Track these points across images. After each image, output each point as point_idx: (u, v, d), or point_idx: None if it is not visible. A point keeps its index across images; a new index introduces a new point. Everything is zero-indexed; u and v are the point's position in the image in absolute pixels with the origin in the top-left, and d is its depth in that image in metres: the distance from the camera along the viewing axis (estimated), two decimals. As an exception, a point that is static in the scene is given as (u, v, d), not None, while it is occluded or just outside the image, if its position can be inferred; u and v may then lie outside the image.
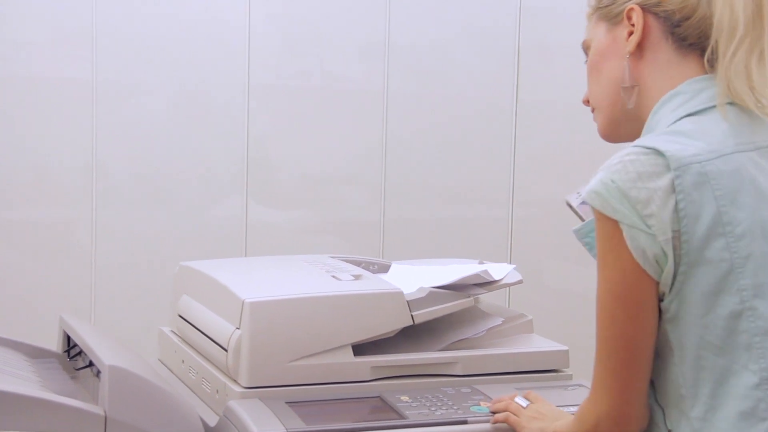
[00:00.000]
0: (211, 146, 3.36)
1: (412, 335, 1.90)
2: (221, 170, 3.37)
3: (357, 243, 3.43)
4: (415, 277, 2.03)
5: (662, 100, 1.35)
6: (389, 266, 2.25)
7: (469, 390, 1.80)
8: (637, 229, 1.25)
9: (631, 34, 1.38)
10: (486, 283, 1.99)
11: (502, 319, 2.00)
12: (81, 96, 3.26)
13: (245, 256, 3.33)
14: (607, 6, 1.42)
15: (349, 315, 1.81)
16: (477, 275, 1.97)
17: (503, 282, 2.03)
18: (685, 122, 1.31)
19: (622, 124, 1.44)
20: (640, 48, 1.38)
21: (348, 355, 1.80)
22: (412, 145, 3.49)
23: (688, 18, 1.34)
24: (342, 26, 3.43)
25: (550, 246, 3.57)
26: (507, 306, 3.13)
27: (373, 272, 2.15)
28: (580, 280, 3.62)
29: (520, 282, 2.07)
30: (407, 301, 1.86)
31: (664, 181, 1.25)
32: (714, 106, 1.31)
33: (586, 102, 1.53)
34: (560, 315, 3.42)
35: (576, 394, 1.80)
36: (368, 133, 3.46)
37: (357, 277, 1.96)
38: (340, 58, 3.46)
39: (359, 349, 1.83)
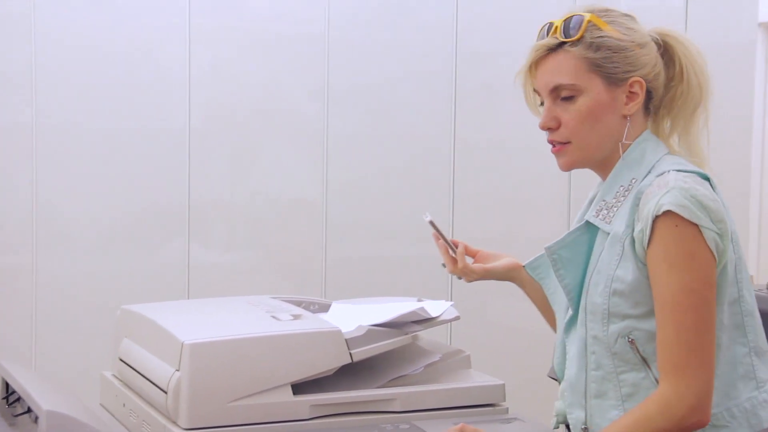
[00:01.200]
0: (153, 189, 3.37)
1: (351, 373, 1.92)
2: (163, 213, 3.37)
3: (300, 283, 3.45)
4: (354, 316, 2.06)
5: (638, 141, 1.64)
6: (329, 305, 2.27)
7: (408, 426, 1.82)
8: (713, 232, 1.52)
9: (630, 98, 1.63)
10: (424, 320, 2.03)
11: (440, 356, 2.03)
12: (21, 140, 3.25)
13: (187, 298, 3.32)
14: (610, 68, 1.61)
15: (288, 354, 1.83)
16: (415, 312, 2.00)
17: (441, 319, 2.06)
18: (672, 158, 1.63)
19: (591, 162, 1.68)
20: None
21: (287, 394, 1.82)
22: (353, 185, 3.53)
23: (657, 91, 1.67)
24: (284, 68, 3.47)
25: (489, 283, 3.61)
26: (447, 342, 3.17)
27: (314, 312, 2.17)
28: (519, 316, 3.67)
29: (457, 318, 2.11)
30: (346, 340, 1.89)
31: (716, 195, 1.57)
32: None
33: (547, 128, 1.67)
34: (499, 350, 3.47)
35: (513, 427, 1.83)
36: (309, 174, 3.49)
37: (296, 317, 1.98)
38: (281, 100, 3.49)
39: (298, 387, 1.85)
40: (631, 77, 1.61)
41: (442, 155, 3.58)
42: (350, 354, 1.88)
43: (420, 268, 3.57)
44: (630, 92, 1.62)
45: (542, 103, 1.69)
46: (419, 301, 2.19)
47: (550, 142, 1.67)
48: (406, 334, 1.98)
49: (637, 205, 1.57)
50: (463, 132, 3.59)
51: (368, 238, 3.57)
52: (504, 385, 1.98)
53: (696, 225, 1.50)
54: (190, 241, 3.37)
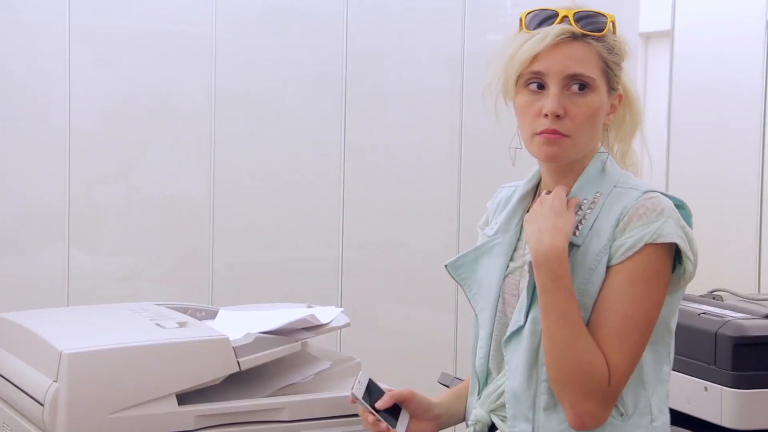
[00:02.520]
0: (30, 191, 3.24)
1: (239, 382, 1.89)
2: (41, 216, 3.25)
3: (186, 289, 3.37)
4: (242, 323, 2.02)
5: (597, 154, 1.64)
6: (217, 312, 2.23)
7: (297, 435, 1.79)
8: (693, 267, 1.57)
9: (612, 109, 1.62)
10: (314, 327, 2.00)
11: (330, 363, 2.01)
12: None
13: (67, 305, 3.21)
14: (613, 74, 1.60)
15: (172, 363, 1.77)
16: (304, 319, 1.97)
17: (331, 325, 2.04)
18: (632, 176, 1.66)
19: (573, 161, 1.62)
20: None
21: (172, 405, 1.77)
22: (241, 188, 3.47)
23: None
24: (170, 67, 3.39)
25: (380, 288, 3.61)
26: (337, 349, 3.15)
27: (200, 319, 2.12)
28: (410, 321, 3.68)
29: (347, 325, 2.09)
30: (233, 348, 1.85)
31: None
32: None
33: (556, 115, 1.56)
34: (390, 356, 3.46)
35: (403, 434, 1.81)
36: (196, 176, 3.41)
37: (182, 325, 1.93)
38: (166, 100, 3.41)
39: (184, 397, 1.80)
40: (618, 89, 1.61)
41: (332, 158, 3.55)
42: (238, 362, 1.85)
43: (310, 274, 3.53)
44: (612, 104, 1.61)
45: (532, 85, 1.58)
46: (309, 307, 2.16)
47: (551, 130, 1.56)
48: (296, 341, 1.95)
49: (617, 220, 1.55)
50: (353, 135, 3.57)
51: (257, 243, 3.51)
52: (395, 392, 1.95)
53: (672, 250, 1.55)
54: (70, 245, 3.26)
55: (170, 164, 3.40)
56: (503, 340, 1.60)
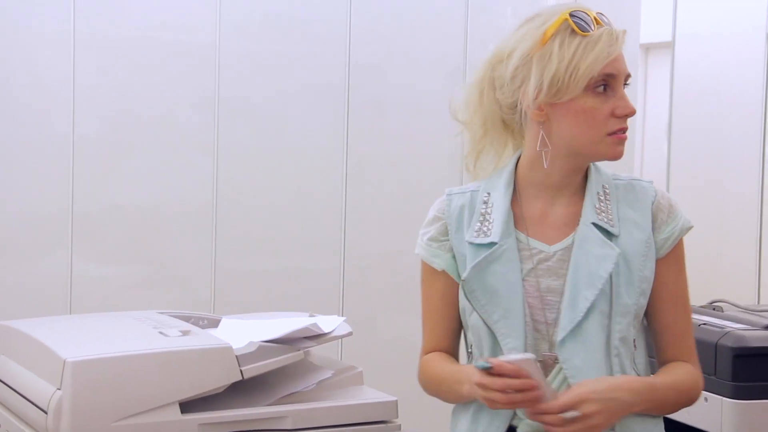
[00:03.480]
0: (34, 198, 3.25)
1: (241, 390, 1.89)
2: (44, 223, 3.25)
3: (189, 297, 3.38)
4: (245, 332, 2.02)
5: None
6: (219, 321, 2.23)
7: (299, 444, 1.80)
8: None
9: None
10: (316, 336, 2.00)
11: (332, 372, 2.01)
12: None
13: (69, 313, 3.21)
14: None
15: (175, 372, 1.78)
16: (306, 328, 1.98)
17: (333, 334, 2.04)
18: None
19: None
20: None
21: (175, 413, 1.77)
22: (244, 198, 3.48)
23: None
24: (173, 76, 3.40)
25: (382, 297, 3.61)
26: (339, 358, 3.15)
27: (203, 327, 2.12)
28: (412, 330, 3.67)
29: (350, 334, 2.09)
30: (236, 356, 1.85)
31: None
32: None
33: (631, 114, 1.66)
34: (392, 365, 3.46)
35: (406, 443, 1.83)
36: (199, 185, 3.42)
37: (185, 333, 1.94)
38: (169, 109, 3.42)
39: (187, 406, 1.80)
40: None
41: (334, 167, 3.56)
42: (241, 371, 1.85)
43: (313, 282, 3.54)
44: None
45: (599, 88, 1.62)
46: (311, 316, 2.17)
47: (625, 129, 1.65)
48: (298, 350, 1.95)
49: (652, 212, 1.66)
50: (355, 144, 3.58)
51: (259, 252, 3.52)
52: (396, 401, 1.97)
53: None
54: (73, 253, 3.26)
55: (173, 173, 3.41)
56: (558, 340, 1.60)
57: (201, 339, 1.91)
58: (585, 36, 1.61)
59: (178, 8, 3.40)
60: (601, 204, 1.65)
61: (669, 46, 4.21)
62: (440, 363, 1.74)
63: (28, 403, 1.81)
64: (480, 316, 1.65)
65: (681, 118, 4.17)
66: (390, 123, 3.64)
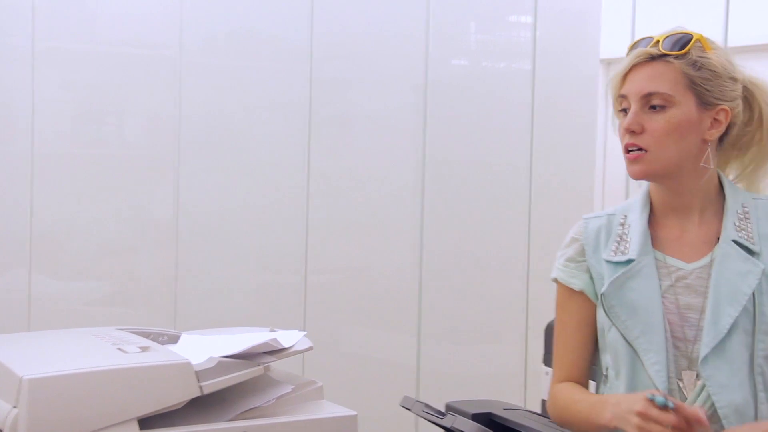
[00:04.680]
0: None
1: (201, 406, 1.89)
2: (3, 240, 3.22)
3: (149, 313, 3.36)
4: (205, 347, 2.02)
5: (729, 181, 1.73)
6: (179, 337, 2.23)
7: (259, 459, 1.79)
8: None
9: (714, 125, 1.66)
10: (276, 351, 2.01)
11: (292, 387, 2.01)
12: None
13: (28, 330, 3.18)
14: (705, 90, 1.65)
15: (134, 388, 1.77)
16: (266, 343, 1.98)
17: (293, 349, 2.05)
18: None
19: (662, 176, 1.67)
20: None
21: (134, 430, 1.76)
22: (206, 213, 3.47)
23: (733, 129, 1.71)
24: (134, 92, 3.39)
25: (344, 312, 3.62)
26: (302, 373, 3.15)
27: (163, 343, 2.12)
28: (374, 345, 3.68)
29: (310, 348, 2.10)
30: (196, 372, 1.85)
31: None
32: None
33: (631, 131, 1.64)
34: (353, 380, 3.46)
35: (365, 458, 1.82)
36: (161, 201, 3.41)
37: (144, 349, 1.93)
38: (130, 125, 3.41)
39: (146, 422, 1.79)
40: (720, 105, 1.65)
41: (297, 182, 3.56)
42: (200, 386, 1.85)
43: (275, 298, 3.53)
44: (715, 119, 1.66)
45: (622, 110, 1.68)
46: (272, 331, 2.17)
47: (629, 146, 1.65)
48: (258, 365, 1.95)
49: None
50: (318, 159, 3.58)
51: (222, 268, 3.51)
52: (356, 416, 1.98)
53: None
54: (32, 270, 3.24)
55: (134, 189, 3.40)
56: (701, 357, 1.59)
57: (160, 355, 1.90)
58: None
59: (140, 24, 3.40)
60: (741, 222, 1.65)
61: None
62: (576, 391, 1.73)
63: (-16, 421, 1.79)
64: (620, 332, 1.66)
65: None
66: (352, 138, 3.65)
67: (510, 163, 3.80)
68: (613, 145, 4.80)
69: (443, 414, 2.11)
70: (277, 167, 3.56)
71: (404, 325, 3.64)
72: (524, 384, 3.73)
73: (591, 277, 1.71)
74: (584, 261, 1.73)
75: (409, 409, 2.21)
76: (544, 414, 2.41)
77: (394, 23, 3.69)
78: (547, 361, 2.50)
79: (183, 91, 3.41)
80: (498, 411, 2.26)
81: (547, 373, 2.51)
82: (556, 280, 1.77)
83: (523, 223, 3.80)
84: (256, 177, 3.54)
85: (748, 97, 1.70)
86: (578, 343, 1.74)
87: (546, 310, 2.98)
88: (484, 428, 2.08)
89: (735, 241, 1.63)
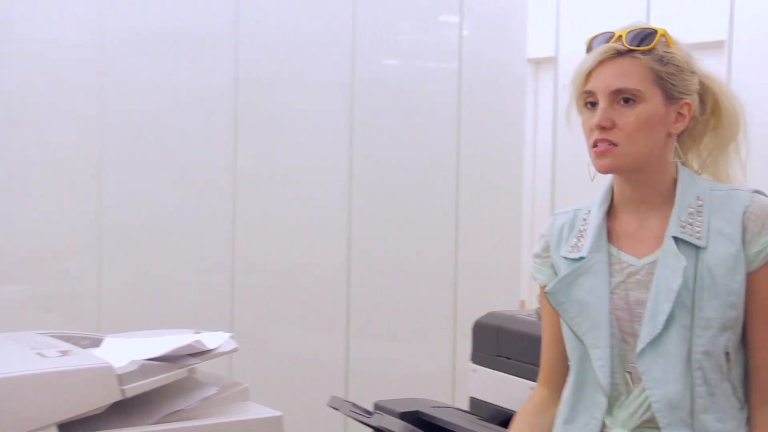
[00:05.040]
0: None
1: (123, 409, 1.86)
2: None
3: (72, 317, 3.30)
4: (127, 350, 2.00)
5: (680, 165, 1.72)
6: (102, 340, 2.19)
7: (183, 462, 1.77)
8: None
9: (678, 119, 1.68)
10: (200, 353, 1.99)
11: (217, 389, 2.00)
12: None
13: (-52, 336, 3.11)
14: (670, 84, 1.66)
15: (53, 393, 1.74)
16: (190, 345, 1.96)
17: (218, 351, 2.03)
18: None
19: (629, 170, 1.67)
20: None
21: (53, 435, 1.73)
22: (130, 215, 3.42)
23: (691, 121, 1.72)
24: (55, 94, 3.33)
25: (273, 312, 3.60)
26: (229, 375, 3.12)
27: (84, 347, 2.09)
28: (302, 345, 3.67)
29: (235, 350, 2.09)
30: (117, 375, 1.83)
31: None
32: None
33: (602, 127, 1.64)
34: (281, 381, 3.45)
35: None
36: (82, 203, 3.35)
37: (64, 353, 1.90)
38: (51, 126, 3.34)
39: (66, 427, 1.77)
40: (683, 98, 1.67)
41: (223, 183, 3.53)
42: (122, 390, 1.83)
43: (203, 299, 3.50)
44: (679, 113, 1.67)
45: (588, 105, 1.67)
46: (196, 333, 2.15)
47: (598, 141, 1.65)
48: (182, 367, 1.94)
49: (743, 223, 1.63)
50: (244, 160, 3.55)
51: (147, 270, 3.46)
52: (282, 416, 1.97)
53: None
54: (-49, 275, 3.16)
55: (57, 190, 3.33)
56: (637, 352, 1.62)
57: (80, 359, 1.87)
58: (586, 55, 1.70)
59: (60, 24, 3.34)
60: (691, 217, 1.66)
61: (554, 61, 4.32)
62: (523, 419, 1.78)
63: None
64: (570, 327, 1.69)
65: (565, 130, 4.25)
66: (280, 139, 3.63)
67: (438, 163, 3.82)
68: (542, 145, 4.86)
69: (371, 413, 2.11)
70: (203, 168, 3.53)
71: (333, 324, 3.64)
72: (452, 382, 3.76)
73: (555, 273, 1.75)
74: (548, 257, 1.76)
75: (337, 409, 2.21)
76: (472, 411, 2.44)
77: (320, 23, 3.68)
78: (475, 359, 2.52)
79: (105, 92, 3.36)
80: (426, 409, 2.28)
81: (475, 371, 2.53)
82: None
83: (450, 222, 3.82)
84: (181, 178, 3.50)
85: (702, 89, 1.72)
86: (553, 338, 1.77)
87: (474, 308, 3.01)
88: (412, 426, 2.09)
89: (675, 237, 1.64)
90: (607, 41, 1.66)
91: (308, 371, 3.56)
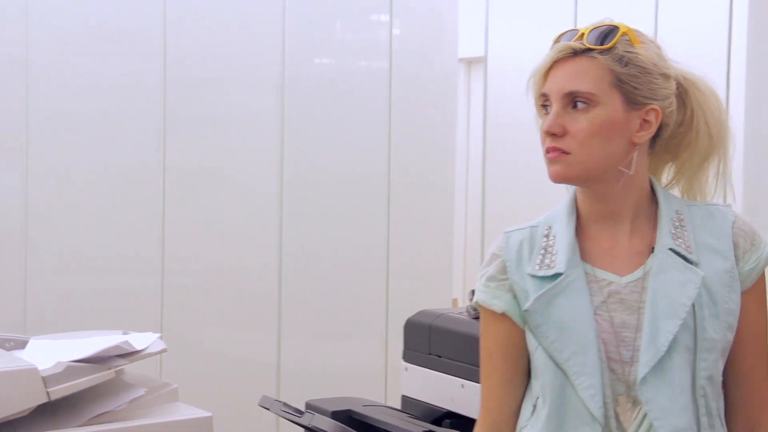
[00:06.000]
0: None
1: (49, 412, 1.84)
2: None
3: (-2, 319, 3.24)
4: (53, 352, 1.97)
5: (660, 187, 1.58)
6: (27, 342, 2.15)
7: (110, 465, 1.75)
8: None
9: (643, 126, 1.51)
10: (128, 354, 1.97)
11: (146, 390, 1.98)
12: None
13: None
14: (632, 87, 1.50)
15: (-25, 396, 1.70)
16: (117, 346, 1.95)
17: (146, 351, 2.02)
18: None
19: (584, 180, 1.53)
20: None
21: (-25, 440, 1.69)
22: (57, 215, 3.36)
23: (666, 130, 1.56)
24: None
25: (203, 312, 3.57)
26: (159, 376, 3.09)
27: (9, 349, 2.06)
28: (233, 345, 3.65)
29: (164, 350, 2.07)
30: (42, 378, 1.81)
31: None
32: None
33: (552, 134, 1.50)
34: (211, 381, 3.42)
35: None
36: (9, 202, 3.28)
37: (-13, 356, 1.86)
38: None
39: (-11, 432, 1.73)
40: (649, 104, 1.50)
41: (152, 183, 3.49)
42: (47, 392, 1.80)
43: (132, 300, 3.46)
44: (645, 120, 1.51)
45: (544, 107, 1.53)
46: (125, 334, 2.12)
47: (549, 149, 1.49)
48: (109, 368, 1.92)
49: (733, 239, 1.52)
50: (174, 159, 3.52)
51: (75, 271, 3.41)
52: (211, 417, 1.96)
53: None
54: None
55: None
56: (640, 378, 1.45)
57: (4, 361, 1.85)
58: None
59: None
60: (677, 230, 1.52)
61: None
62: None
63: None
64: (548, 353, 1.50)
65: (495, 129, 4.28)
66: (209, 139, 3.60)
67: (369, 161, 3.83)
68: (474, 143, 4.89)
69: (302, 413, 2.11)
70: (132, 168, 3.48)
71: (264, 324, 3.63)
72: (385, 380, 3.77)
73: (515, 297, 1.53)
74: (506, 279, 1.54)
75: (267, 409, 2.20)
76: (403, 410, 2.45)
77: (250, 21, 3.66)
78: (407, 357, 2.53)
79: (30, 90, 3.30)
80: (357, 408, 2.28)
81: (406, 369, 2.54)
82: (477, 304, 1.58)
83: (382, 221, 3.83)
84: (109, 178, 3.45)
85: (682, 95, 1.56)
86: (506, 374, 1.56)
87: (405, 307, 3.02)
88: (343, 426, 2.09)
89: (672, 250, 1.50)
90: (570, 39, 1.51)
91: (239, 371, 3.54)
